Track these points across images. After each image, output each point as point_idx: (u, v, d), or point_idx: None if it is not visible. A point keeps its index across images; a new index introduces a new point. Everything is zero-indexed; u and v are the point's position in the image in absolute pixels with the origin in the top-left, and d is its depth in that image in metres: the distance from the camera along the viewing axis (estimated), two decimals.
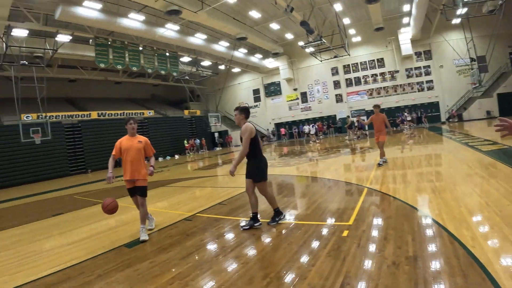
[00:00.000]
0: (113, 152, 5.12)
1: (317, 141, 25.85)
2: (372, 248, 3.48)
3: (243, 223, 4.96)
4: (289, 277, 3.07)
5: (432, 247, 3.28)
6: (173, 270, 3.57)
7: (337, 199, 6.06)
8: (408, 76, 31.13)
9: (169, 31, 22.04)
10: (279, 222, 4.88)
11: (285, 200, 6.45)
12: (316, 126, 29.81)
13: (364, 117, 30.41)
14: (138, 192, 5.06)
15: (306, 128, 29.39)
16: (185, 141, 30.38)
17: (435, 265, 2.90)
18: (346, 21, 27.31)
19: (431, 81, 30.58)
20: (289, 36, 30.82)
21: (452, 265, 2.83)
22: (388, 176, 7.61)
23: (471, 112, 27.37)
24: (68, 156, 21.93)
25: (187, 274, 3.41)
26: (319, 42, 22.90)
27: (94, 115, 24.54)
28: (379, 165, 9.09)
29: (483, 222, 3.82)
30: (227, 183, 9.93)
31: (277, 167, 12.26)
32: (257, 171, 4.73)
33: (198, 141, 31.42)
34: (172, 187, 10.72)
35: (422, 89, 30.87)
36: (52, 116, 19.10)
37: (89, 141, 23.25)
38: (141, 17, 19.73)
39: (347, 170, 10.13)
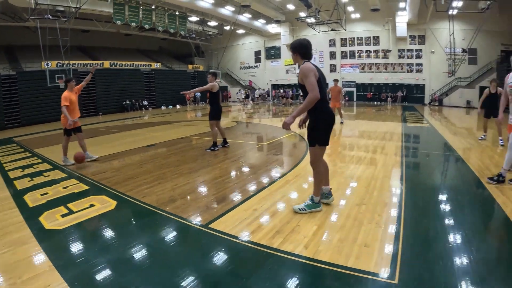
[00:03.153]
0: (67, 103, 6.96)
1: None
2: None
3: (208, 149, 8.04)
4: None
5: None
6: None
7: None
8: (400, 57, 33.13)
9: None
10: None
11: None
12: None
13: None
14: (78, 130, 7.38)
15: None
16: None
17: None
18: None
19: (421, 64, 32.58)
20: (290, 6, 32.54)
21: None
22: None
23: (452, 99, 29.51)
24: (82, 100, 24.73)
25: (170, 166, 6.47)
26: (313, 16, 24.99)
27: (106, 64, 27.05)
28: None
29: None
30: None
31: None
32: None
33: (198, 94, 33.96)
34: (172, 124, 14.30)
35: (411, 71, 33.04)
36: (69, 64, 21.50)
37: (101, 87, 25.92)
38: None
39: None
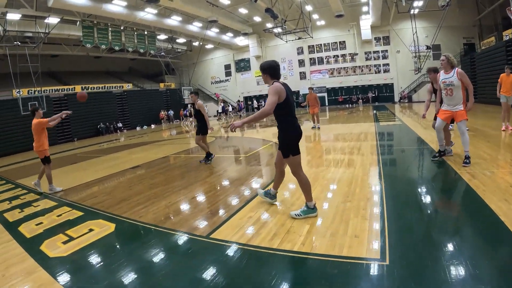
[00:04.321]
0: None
1: None
2: None
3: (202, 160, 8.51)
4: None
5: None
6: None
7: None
8: (367, 59, 34.34)
9: (148, 14, 24.41)
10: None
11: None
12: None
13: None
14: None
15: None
16: (162, 112, 33.13)
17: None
18: (309, 7, 29.89)
19: (388, 64, 33.87)
20: (257, 18, 33.20)
21: None
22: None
23: (420, 94, 30.60)
24: (56, 126, 24.27)
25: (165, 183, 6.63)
26: (280, 26, 25.68)
27: (78, 88, 26.75)
28: (314, 128, 13.71)
29: None
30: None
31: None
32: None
33: (171, 112, 34.00)
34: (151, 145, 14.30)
35: (379, 71, 34.27)
36: (41, 91, 21.21)
37: (74, 112, 25.36)
38: (124, 3, 22.04)
39: None
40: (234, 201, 5.13)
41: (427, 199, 4.44)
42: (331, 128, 14.48)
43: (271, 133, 14.16)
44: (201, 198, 5.62)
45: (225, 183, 6.50)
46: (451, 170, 5.52)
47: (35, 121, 7.12)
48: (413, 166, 6.48)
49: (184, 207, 5.15)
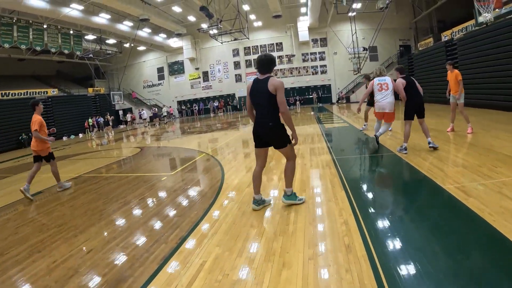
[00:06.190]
0: (38, 127, 6.66)
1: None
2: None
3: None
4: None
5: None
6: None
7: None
8: (304, 60, 34.52)
9: (74, 10, 22.10)
10: None
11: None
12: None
13: None
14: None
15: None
16: (89, 120, 30.17)
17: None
18: (246, 7, 29.24)
19: (325, 65, 34.34)
20: (191, 18, 31.93)
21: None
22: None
23: (358, 95, 31.40)
24: None
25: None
26: (216, 26, 24.68)
27: None
28: None
29: None
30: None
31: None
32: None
33: (101, 119, 31.16)
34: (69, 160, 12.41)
35: (316, 73, 34.56)
36: None
37: None
38: None
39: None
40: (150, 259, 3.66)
41: (385, 184, 5.28)
42: None
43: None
44: (98, 254, 3.82)
45: (155, 214, 5.00)
46: (436, 187, 4.66)
47: (35, 117, 6.75)
48: (368, 159, 6.64)
49: (71, 272, 3.43)
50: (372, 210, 4.13)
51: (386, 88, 6.95)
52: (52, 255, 3.90)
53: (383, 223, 3.63)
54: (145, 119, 33.10)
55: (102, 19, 25.78)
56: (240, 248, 3.42)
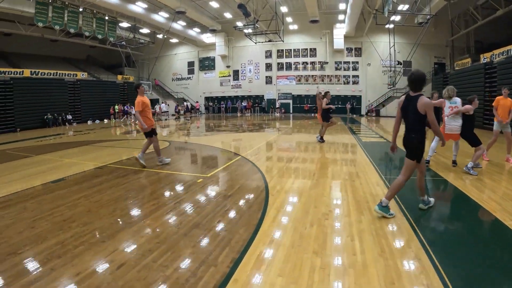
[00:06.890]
0: (140, 109, 7.34)
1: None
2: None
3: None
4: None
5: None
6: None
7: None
8: (337, 69, 33.60)
9: None
10: None
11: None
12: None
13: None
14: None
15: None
16: (116, 106, 30.08)
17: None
18: (284, 9, 28.59)
19: (357, 76, 33.34)
20: (228, 15, 31.55)
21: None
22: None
23: (388, 109, 30.33)
24: None
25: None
26: (252, 26, 24.10)
27: (27, 73, 23.68)
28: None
29: None
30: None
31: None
32: None
33: (128, 106, 30.80)
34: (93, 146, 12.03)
35: (348, 83, 33.57)
36: None
37: (20, 99, 22.35)
38: None
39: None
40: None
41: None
42: (332, 139, 12.38)
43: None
44: (131, 266, 3.21)
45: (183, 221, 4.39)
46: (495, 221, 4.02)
47: (138, 99, 7.41)
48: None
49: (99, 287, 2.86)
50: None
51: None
52: (75, 265, 3.29)
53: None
54: (166, 111, 32.60)
55: (138, 7, 25.65)
56: (307, 282, 2.84)
